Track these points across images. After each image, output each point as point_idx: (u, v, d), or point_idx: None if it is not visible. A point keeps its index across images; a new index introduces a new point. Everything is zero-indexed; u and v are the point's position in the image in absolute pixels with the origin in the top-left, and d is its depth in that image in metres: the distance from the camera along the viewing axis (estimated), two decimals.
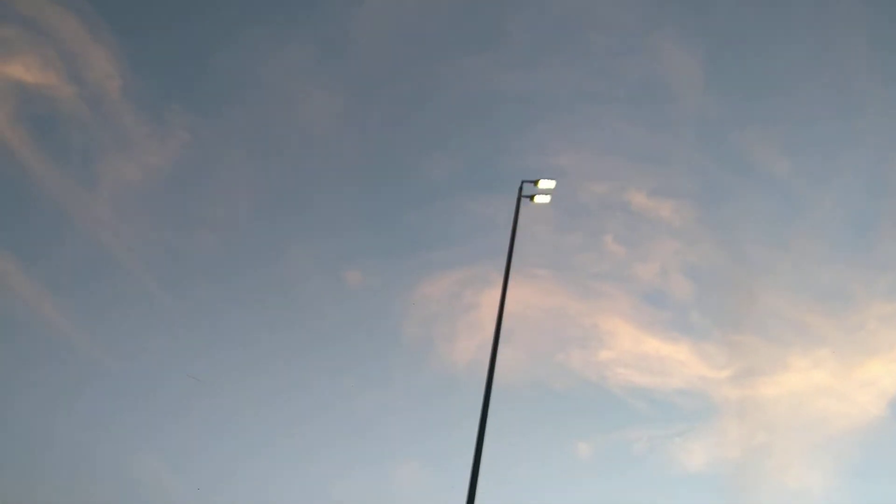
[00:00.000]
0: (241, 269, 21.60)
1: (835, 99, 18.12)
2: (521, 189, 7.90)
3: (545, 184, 8.70)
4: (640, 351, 19.31)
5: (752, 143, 19.07)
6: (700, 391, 18.85)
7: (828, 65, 17.50)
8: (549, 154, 19.54)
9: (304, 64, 20.37)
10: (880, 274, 18.43)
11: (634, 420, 19.70)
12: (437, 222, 20.66)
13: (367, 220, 20.99)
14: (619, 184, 19.86)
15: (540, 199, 8.16)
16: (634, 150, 19.88)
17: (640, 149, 19.35)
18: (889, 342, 17.69)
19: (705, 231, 19.59)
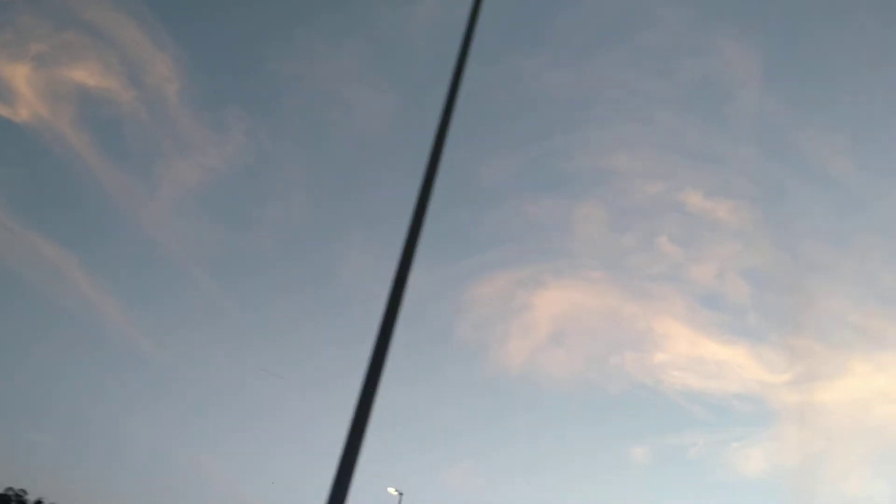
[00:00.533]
0: (294, 267, 21.90)
1: None
2: None
3: None
4: (697, 354, 18.97)
5: (811, 141, 18.44)
6: (758, 396, 18.41)
7: (891, 60, 16.78)
8: (602, 154, 19.22)
9: (357, 65, 20.48)
10: None
11: (690, 424, 19.38)
12: (488, 222, 20.57)
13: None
14: (675, 184, 19.50)
15: None
16: (690, 150, 19.40)
17: (697, 148, 18.90)
18: None
19: (763, 232, 19.06)
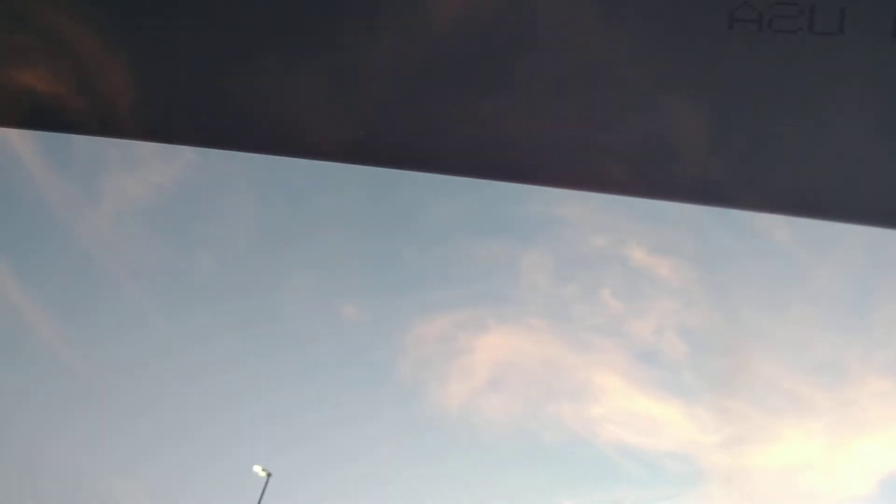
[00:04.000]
0: (236, 293, 21.62)
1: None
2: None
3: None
4: (632, 409, 19.19)
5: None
6: (689, 455, 18.67)
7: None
8: (551, 202, 19.59)
9: (314, 95, 20.50)
10: (877, 349, 18.36)
11: (622, 480, 19.52)
12: (434, 261, 20.69)
13: (365, 253, 21.05)
14: (619, 237, 19.91)
15: None
16: (636, 206, 19.93)
17: (642, 205, 19.43)
18: (883, 420, 17.55)
19: (703, 293, 19.51)
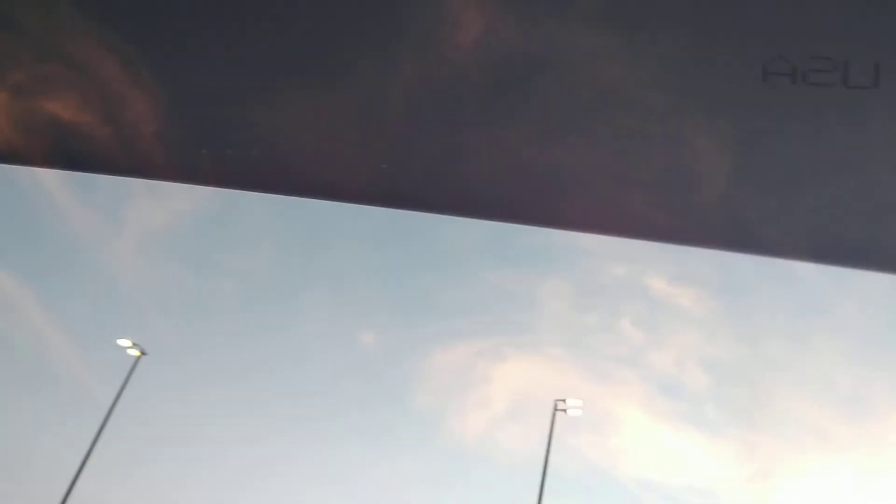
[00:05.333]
0: (254, 318, 21.67)
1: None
2: (555, 406, 9.65)
3: (573, 402, 10.49)
4: (653, 441, 18.88)
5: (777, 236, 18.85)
6: (711, 490, 18.29)
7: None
8: (569, 232, 19.48)
9: (339, 120, 20.64)
10: None
11: None
12: (454, 289, 20.60)
13: (385, 280, 21.01)
14: (640, 267, 19.75)
15: (573, 412, 9.71)
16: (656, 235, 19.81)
17: (663, 233, 19.21)
18: None
19: (725, 323, 19.25)
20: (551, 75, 1.10)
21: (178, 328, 21.23)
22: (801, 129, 1.09)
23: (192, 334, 21.31)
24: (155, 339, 21.14)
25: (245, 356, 21.38)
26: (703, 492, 18.21)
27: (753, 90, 1.08)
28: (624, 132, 1.12)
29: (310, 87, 1.19)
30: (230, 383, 21.55)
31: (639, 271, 18.88)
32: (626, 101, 1.10)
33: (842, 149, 1.08)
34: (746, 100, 1.09)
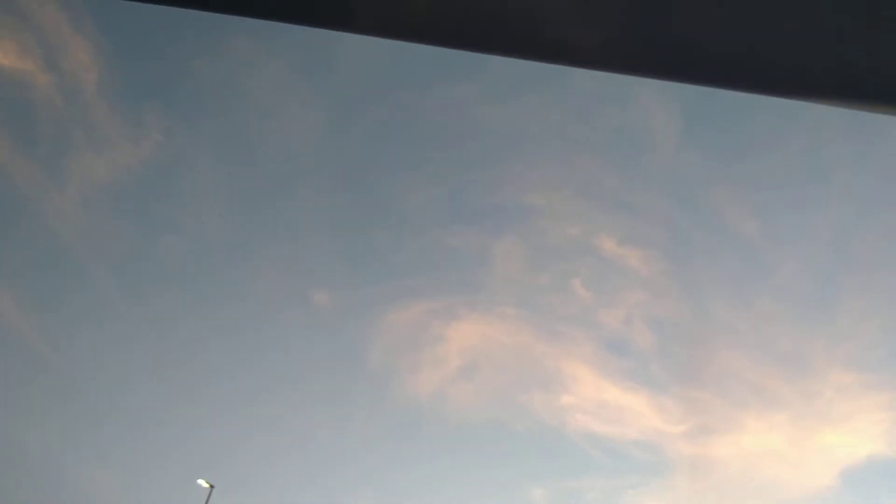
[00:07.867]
0: (203, 277, 21.38)
1: (806, 164, 18.51)
2: None
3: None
4: (600, 398, 19.35)
5: (722, 202, 19.30)
6: (655, 444, 18.90)
7: (801, 129, 17.83)
8: (524, 192, 19.64)
9: (288, 77, 20.41)
10: (840, 342, 18.71)
11: (590, 468, 19.71)
12: (406, 248, 20.64)
13: (339, 240, 20.89)
14: (591, 227, 19.98)
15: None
16: (608, 197, 20.06)
17: (614, 196, 19.55)
18: (845, 412, 17.91)
19: (671, 284, 19.71)
20: None
21: (123, 284, 20.75)
22: None
23: (137, 290, 20.87)
24: (97, 295, 20.59)
25: (193, 315, 21.10)
26: (647, 446, 18.79)
27: None
28: None
29: None
30: (177, 344, 21.28)
31: (589, 231, 19.12)
32: None
33: None
34: None
